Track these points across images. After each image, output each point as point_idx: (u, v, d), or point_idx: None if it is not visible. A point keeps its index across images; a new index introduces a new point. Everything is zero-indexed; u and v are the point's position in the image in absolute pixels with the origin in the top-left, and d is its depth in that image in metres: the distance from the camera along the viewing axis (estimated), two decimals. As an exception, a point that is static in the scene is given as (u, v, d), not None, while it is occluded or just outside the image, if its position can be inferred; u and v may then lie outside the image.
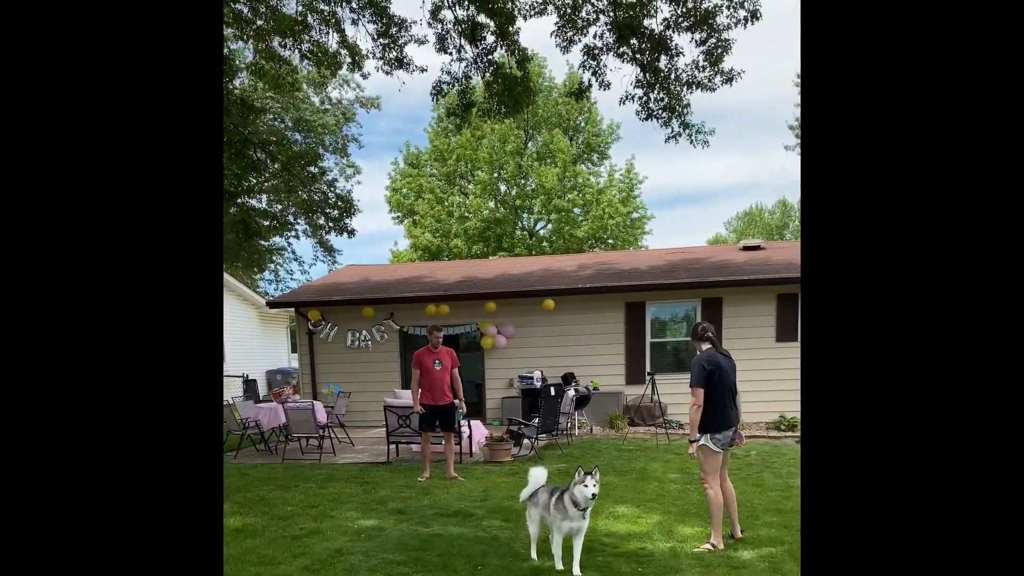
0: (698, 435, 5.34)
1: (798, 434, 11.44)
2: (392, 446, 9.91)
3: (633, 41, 10.82)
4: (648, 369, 12.63)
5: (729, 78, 10.76)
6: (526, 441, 10.01)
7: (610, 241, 28.52)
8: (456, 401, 8.50)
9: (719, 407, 5.31)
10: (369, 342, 13.96)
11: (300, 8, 11.24)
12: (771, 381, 12.01)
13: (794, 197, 54.30)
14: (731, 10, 10.15)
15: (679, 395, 11.79)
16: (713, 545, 5.34)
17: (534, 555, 5.13)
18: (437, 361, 8.35)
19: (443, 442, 8.63)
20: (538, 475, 5.15)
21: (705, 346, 5.44)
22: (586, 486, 4.71)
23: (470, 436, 9.75)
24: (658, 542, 5.53)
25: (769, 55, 49.08)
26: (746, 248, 15.86)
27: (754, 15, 10.06)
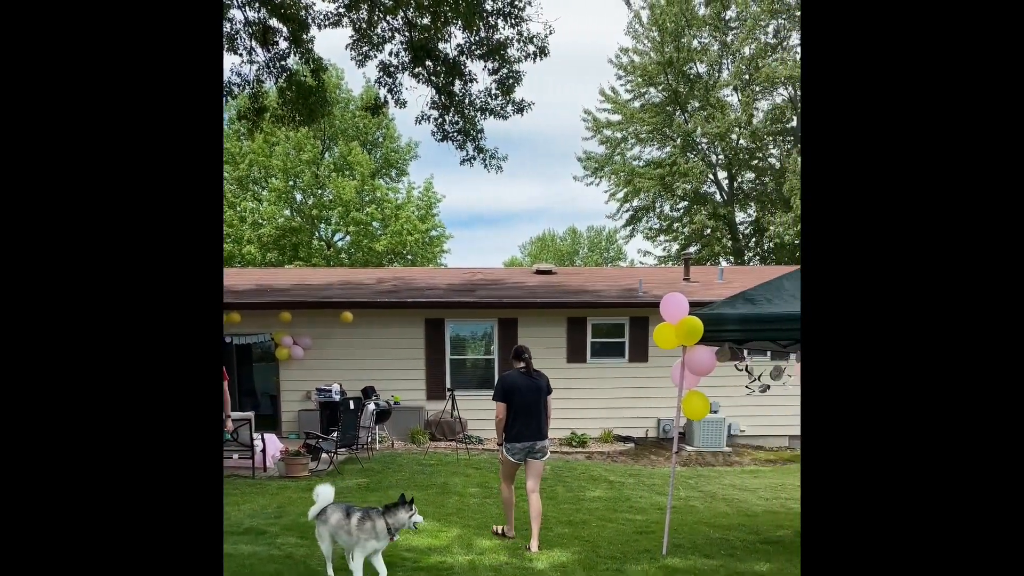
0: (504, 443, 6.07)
1: (588, 450, 12.20)
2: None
3: (428, 63, 11.12)
4: (448, 385, 12.89)
5: (520, 108, 11.42)
6: (325, 455, 9.83)
7: (409, 257, 28.65)
8: (224, 416, 8.05)
9: (515, 421, 5.98)
10: (149, 353, 12.93)
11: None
12: (562, 399, 12.70)
13: (583, 225, 57.57)
14: (521, 44, 10.82)
15: (479, 411, 12.19)
16: (504, 532, 6.02)
17: (330, 572, 5.10)
18: None
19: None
20: (325, 493, 5.09)
21: (519, 365, 6.13)
22: (411, 515, 4.94)
23: (263, 450, 9.39)
24: (457, 555, 5.70)
25: (559, 89, 52.04)
26: (539, 272, 16.67)
27: (543, 51, 10.85)
